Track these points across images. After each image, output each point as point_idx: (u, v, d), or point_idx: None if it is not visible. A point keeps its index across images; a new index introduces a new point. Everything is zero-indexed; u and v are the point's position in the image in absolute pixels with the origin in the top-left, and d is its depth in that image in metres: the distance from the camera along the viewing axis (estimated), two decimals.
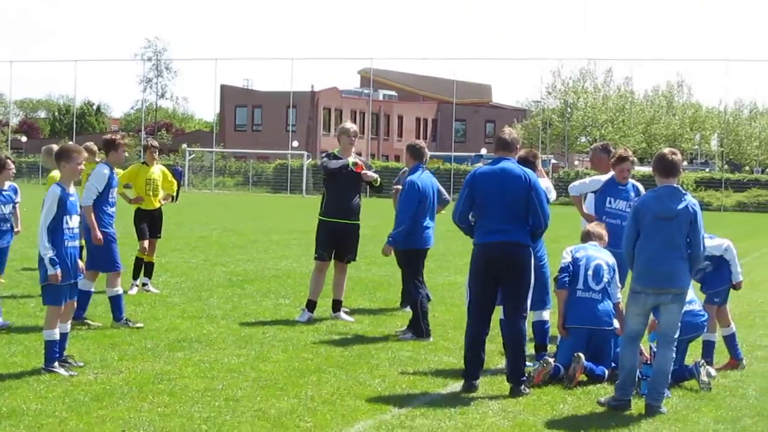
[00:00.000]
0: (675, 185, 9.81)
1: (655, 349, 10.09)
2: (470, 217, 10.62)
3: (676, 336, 9.84)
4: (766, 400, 10.38)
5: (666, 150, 10.01)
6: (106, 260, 13.28)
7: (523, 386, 10.25)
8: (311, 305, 14.55)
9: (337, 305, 14.77)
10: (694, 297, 11.07)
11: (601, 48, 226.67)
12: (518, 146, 10.88)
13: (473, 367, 10.49)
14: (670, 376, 9.90)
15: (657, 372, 9.74)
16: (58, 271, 10.37)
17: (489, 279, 10.48)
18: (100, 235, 13.05)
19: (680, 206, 9.66)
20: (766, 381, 11.14)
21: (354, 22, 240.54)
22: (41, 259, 10.42)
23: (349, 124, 15.00)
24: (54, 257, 10.35)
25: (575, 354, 10.62)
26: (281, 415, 8.99)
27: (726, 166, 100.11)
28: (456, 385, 10.54)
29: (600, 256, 11.37)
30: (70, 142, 10.93)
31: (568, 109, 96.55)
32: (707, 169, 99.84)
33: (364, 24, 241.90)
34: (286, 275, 19.97)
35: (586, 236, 11.93)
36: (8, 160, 13.59)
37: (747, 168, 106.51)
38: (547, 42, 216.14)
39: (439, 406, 9.58)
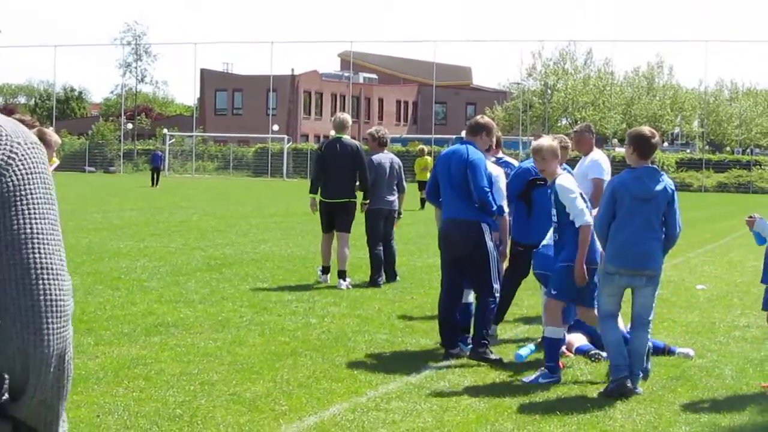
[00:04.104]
0: (653, 166, 9.78)
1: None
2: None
3: (651, 318, 9.83)
4: (743, 381, 10.40)
5: (646, 131, 9.76)
6: None
7: (483, 349, 10.79)
8: (325, 270, 16.46)
9: (340, 273, 16.14)
10: None
11: (582, 29, 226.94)
12: (484, 131, 11.24)
13: (447, 336, 11.17)
14: (645, 357, 9.89)
15: (632, 354, 9.72)
16: None
17: (448, 254, 11.23)
18: None
19: (659, 187, 9.62)
20: (743, 361, 11.16)
21: (334, 5, 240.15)
22: None
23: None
24: None
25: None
26: (256, 399, 8.97)
27: (707, 147, 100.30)
28: (433, 366, 10.56)
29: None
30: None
31: (549, 90, 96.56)
32: (688, 150, 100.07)
33: (343, 7, 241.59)
34: (265, 259, 19.91)
35: None
36: None
37: (728, 148, 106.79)
38: (528, 24, 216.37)
39: (415, 389, 9.57)
